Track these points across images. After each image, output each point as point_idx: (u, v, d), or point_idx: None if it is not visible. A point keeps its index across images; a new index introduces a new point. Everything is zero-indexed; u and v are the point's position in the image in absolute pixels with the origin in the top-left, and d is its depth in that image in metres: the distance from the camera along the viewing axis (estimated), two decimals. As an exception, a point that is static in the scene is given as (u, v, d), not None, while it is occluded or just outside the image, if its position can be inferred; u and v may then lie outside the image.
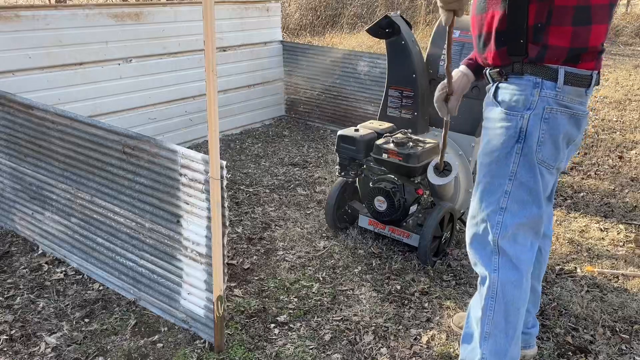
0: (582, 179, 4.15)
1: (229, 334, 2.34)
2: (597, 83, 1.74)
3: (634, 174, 4.22)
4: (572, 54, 1.64)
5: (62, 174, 2.62)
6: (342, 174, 3.12)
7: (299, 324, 2.44)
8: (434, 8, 11.99)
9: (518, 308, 1.86)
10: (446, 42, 1.94)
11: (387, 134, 3.00)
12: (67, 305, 2.52)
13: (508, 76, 1.76)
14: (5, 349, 2.24)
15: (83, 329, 2.37)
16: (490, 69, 1.83)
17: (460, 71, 2.08)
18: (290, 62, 5.46)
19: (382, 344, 2.32)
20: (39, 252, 2.93)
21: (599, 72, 1.73)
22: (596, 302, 2.61)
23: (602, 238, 3.25)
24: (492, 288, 1.85)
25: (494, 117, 1.80)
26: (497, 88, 1.81)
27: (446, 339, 2.36)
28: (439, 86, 2.08)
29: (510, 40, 1.71)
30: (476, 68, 2.03)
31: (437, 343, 2.33)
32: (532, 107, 1.70)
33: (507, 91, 1.76)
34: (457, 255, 3.03)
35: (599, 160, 4.53)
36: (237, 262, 2.93)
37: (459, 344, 2.19)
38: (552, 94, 1.68)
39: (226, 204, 1.98)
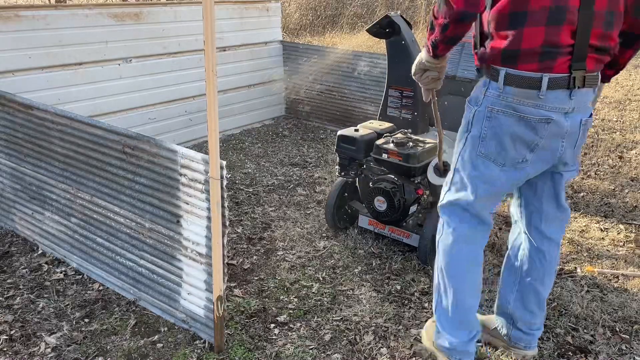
0: (582, 179, 4.15)
1: (229, 334, 2.34)
2: (576, 86, 1.70)
3: (634, 174, 4.22)
4: (506, 54, 1.72)
5: (62, 174, 2.62)
6: (342, 174, 3.12)
7: (299, 324, 2.44)
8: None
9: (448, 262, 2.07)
10: (433, 110, 2.28)
11: (387, 134, 3.00)
12: (67, 305, 2.52)
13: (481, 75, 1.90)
14: (5, 349, 2.24)
15: (83, 329, 2.37)
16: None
17: None
18: (290, 62, 5.46)
19: (382, 344, 2.32)
20: (39, 252, 2.93)
21: (570, 75, 1.70)
22: (596, 302, 2.61)
23: (602, 238, 3.25)
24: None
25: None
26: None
27: (446, 339, 2.35)
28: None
29: (475, 46, 1.88)
30: None
31: (437, 343, 2.33)
32: (478, 104, 1.83)
33: (475, 87, 1.91)
34: (457, 255, 3.03)
35: (599, 160, 4.53)
36: (237, 262, 2.93)
37: None
38: (495, 94, 1.78)
39: (226, 204, 1.98)
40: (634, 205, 3.69)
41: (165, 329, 2.38)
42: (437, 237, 2.09)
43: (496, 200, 2.01)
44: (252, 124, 5.38)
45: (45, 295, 2.59)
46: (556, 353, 2.29)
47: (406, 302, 2.62)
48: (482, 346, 2.30)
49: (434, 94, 2.20)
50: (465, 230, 2.00)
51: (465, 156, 1.91)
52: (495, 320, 2.30)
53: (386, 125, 3.17)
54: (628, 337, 2.38)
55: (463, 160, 1.93)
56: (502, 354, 2.27)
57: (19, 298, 2.57)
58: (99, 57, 3.95)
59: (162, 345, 2.28)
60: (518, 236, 2.17)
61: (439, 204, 2.06)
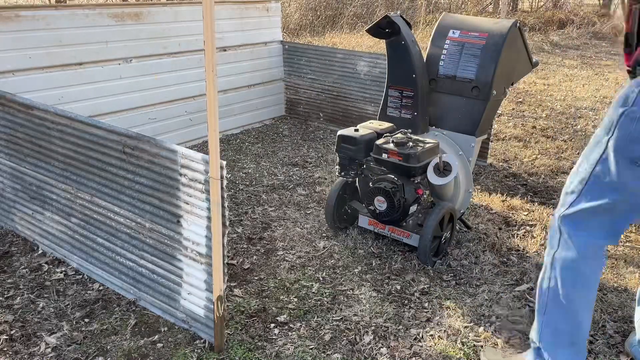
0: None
1: (229, 334, 2.34)
2: None
3: (634, 174, 4.22)
4: None
5: (62, 174, 2.62)
6: (342, 174, 3.12)
7: (299, 324, 2.44)
8: (433, 8, 12.00)
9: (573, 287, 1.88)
10: None
11: (387, 134, 3.00)
12: (67, 305, 2.52)
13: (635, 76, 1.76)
14: (5, 349, 2.24)
15: (83, 329, 2.37)
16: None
17: None
18: (290, 62, 5.46)
19: (382, 344, 2.32)
20: (39, 252, 2.93)
21: None
22: (596, 302, 2.61)
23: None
24: (551, 264, 1.91)
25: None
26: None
27: (446, 339, 2.36)
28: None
29: (627, 44, 1.74)
30: None
31: (437, 343, 2.33)
32: (628, 104, 1.69)
33: (623, 88, 1.76)
34: (457, 255, 3.03)
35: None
36: (237, 262, 2.93)
37: None
38: None
39: (226, 204, 1.98)
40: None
41: (166, 328, 2.38)
42: (551, 251, 1.92)
43: (635, 215, 1.86)
44: (252, 124, 5.38)
45: (46, 295, 2.59)
46: (556, 353, 2.29)
47: (406, 302, 2.62)
48: None
49: None
50: (593, 244, 1.86)
51: (608, 161, 1.75)
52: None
53: (386, 125, 3.17)
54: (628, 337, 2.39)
55: (603, 166, 1.76)
56: (502, 354, 2.27)
57: (19, 298, 2.57)
58: (99, 57, 3.95)
59: (162, 345, 2.29)
60: None
61: (560, 214, 1.89)
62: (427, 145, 2.90)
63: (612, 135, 1.73)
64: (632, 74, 1.75)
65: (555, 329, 1.97)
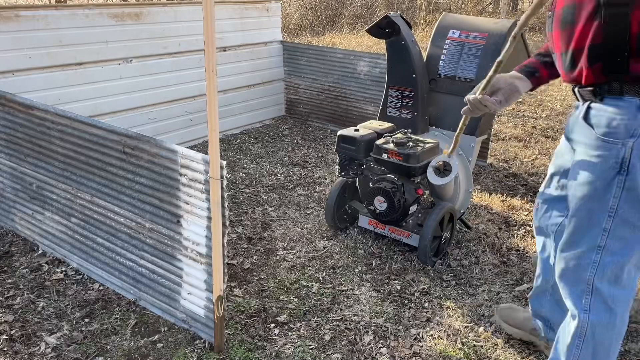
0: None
1: (229, 334, 2.34)
2: None
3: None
4: None
5: (62, 174, 2.62)
6: (342, 174, 3.12)
7: (299, 324, 2.44)
8: (433, 8, 12.00)
9: (608, 348, 1.73)
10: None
11: (387, 134, 3.00)
12: (67, 305, 2.52)
13: (604, 97, 1.55)
14: (5, 349, 2.24)
15: (83, 329, 2.37)
16: (580, 87, 1.63)
17: (511, 78, 1.89)
18: (290, 62, 5.46)
19: (382, 344, 2.32)
20: (39, 252, 2.93)
21: None
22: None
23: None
24: (581, 328, 1.71)
25: (587, 143, 1.60)
26: (589, 108, 1.61)
27: (446, 339, 2.36)
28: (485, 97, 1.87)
29: (608, 55, 1.49)
30: (535, 72, 1.88)
31: (437, 343, 2.33)
32: (637, 133, 1.47)
33: (604, 114, 1.54)
34: (457, 255, 3.03)
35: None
36: (237, 262, 2.93)
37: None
38: None
39: (226, 204, 1.98)
40: None
41: (166, 328, 2.38)
42: (589, 317, 1.69)
43: None
44: (252, 124, 5.38)
45: (46, 295, 2.59)
46: (556, 353, 2.29)
47: (406, 302, 2.62)
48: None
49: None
50: (627, 302, 1.68)
51: (623, 207, 1.54)
52: (532, 322, 2.28)
53: (386, 125, 3.17)
54: (627, 337, 2.38)
55: (619, 214, 1.55)
56: (504, 352, 2.27)
57: (19, 298, 2.57)
58: (99, 57, 3.95)
59: (162, 345, 2.29)
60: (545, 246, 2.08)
61: (597, 282, 1.64)
62: (427, 145, 2.90)
63: (626, 175, 1.51)
64: (611, 91, 1.53)
65: None
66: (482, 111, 1.90)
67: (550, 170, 1.97)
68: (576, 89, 1.66)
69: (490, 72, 1.81)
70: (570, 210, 1.70)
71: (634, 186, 1.52)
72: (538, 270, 2.16)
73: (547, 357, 2.21)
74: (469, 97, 1.90)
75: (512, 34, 1.65)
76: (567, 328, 1.80)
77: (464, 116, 2.06)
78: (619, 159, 1.51)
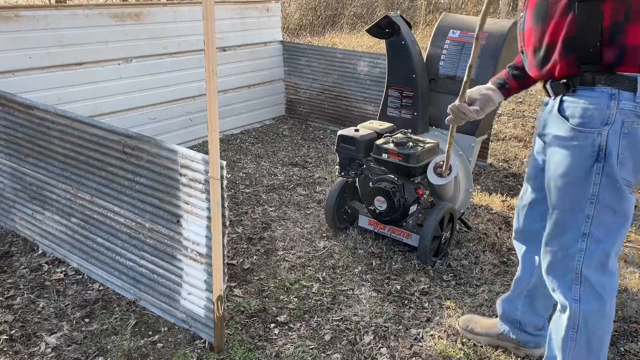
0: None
1: (229, 334, 2.34)
2: None
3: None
4: None
5: (62, 174, 2.62)
6: (342, 174, 3.12)
7: (299, 324, 2.44)
8: (433, 8, 12.00)
9: (602, 337, 1.76)
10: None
11: (387, 134, 3.00)
12: (67, 305, 2.52)
13: (576, 88, 1.62)
14: (5, 349, 2.24)
15: (83, 329, 2.37)
16: (552, 82, 1.69)
17: (486, 89, 2.05)
18: (290, 62, 5.46)
19: (382, 344, 2.32)
20: (39, 252, 2.93)
21: None
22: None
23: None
24: (573, 318, 1.74)
25: (563, 135, 1.65)
26: (562, 101, 1.67)
27: (446, 339, 2.36)
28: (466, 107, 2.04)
29: (582, 46, 1.56)
30: (505, 85, 2.02)
31: (437, 343, 2.33)
32: (610, 121, 1.55)
33: (577, 105, 1.61)
34: (457, 255, 3.03)
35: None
36: (237, 262, 2.93)
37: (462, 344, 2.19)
38: (630, 106, 1.53)
39: (226, 204, 1.98)
40: (634, 205, 3.69)
41: (166, 328, 2.38)
42: (580, 306, 1.73)
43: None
44: (252, 124, 5.38)
45: (46, 295, 2.59)
46: (556, 353, 2.29)
47: (406, 302, 2.62)
48: None
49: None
50: (614, 289, 1.73)
51: (603, 194, 1.61)
52: (499, 326, 2.29)
53: (386, 125, 3.17)
54: (628, 337, 2.38)
55: (600, 200, 1.61)
56: (504, 352, 2.27)
57: (19, 298, 2.57)
58: (99, 57, 3.95)
59: (162, 345, 2.29)
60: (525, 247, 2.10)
61: (585, 270, 1.69)
62: (427, 145, 2.90)
63: (604, 162, 1.58)
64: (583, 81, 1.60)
65: None
66: (463, 120, 2.06)
67: (527, 175, 2.02)
68: (548, 85, 1.72)
69: (465, 78, 2.01)
70: (552, 203, 1.75)
71: (611, 172, 1.58)
72: (518, 274, 2.16)
73: (520, 358, 2.23)
74: (450, 106, 2.06)
75: (475, 35, 1.89)
76: (559, 322, 1.82)
77: (450, 127, 2.24)
78: (595, 147, 1.58)
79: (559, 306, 1.82)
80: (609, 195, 1.61)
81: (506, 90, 2.03)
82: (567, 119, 1.64)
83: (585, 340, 1.75)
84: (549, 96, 1.75)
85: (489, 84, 2.06)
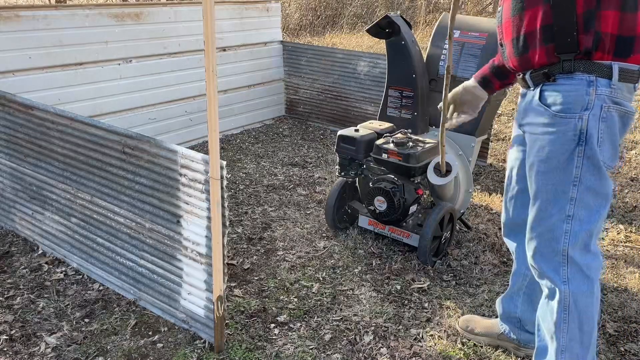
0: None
1: (229, 334, 2.34)
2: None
3: (634, 174, 4.22)
4: (621, 43, 1.56)
5: (62, 174, 2.62)
6: (342, 174, 3.13)
7: (299, 324, 2.44)
8: (433, 8, 12.00)
9: (592, 317, 1.78)
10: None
11: (387, 134, 3.00)
12: (67, 305, 2.52)
13: (556, 77, 1.66)
14: (5, 349, 2.24)
15: (83, 329, 2.37)
16: (531, 72, 1.74)
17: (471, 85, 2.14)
18: (290, 62, 5.46)
19: (382, 344, 2.32)
20: (39, 252, 2.93)
21: None
22: (596, 302, 2.61)
23: (602, 238, 3.25)
24: (563, 301, 1.76)
25: (543, 122, 1.70)
26: (542, 91, 1.71)
27: (446, 339, 2.36)
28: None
29: (560, 34, 1.61)
30: (488, 83, 2.10)
31: (437, 343, 2.33)
32: (590, 106, 1.61)
33: (558, 93, 1.66)
34: (457, 255, 3.03)
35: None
36: (237, 262, 2.93)
37: (462, 344, 2.19)
38: (607, 92, 1.60)
39: (226, 204, 1.98)
40: (634, 205, 3.69)
41: (166, 329, 2.38)
42: (569, 288, 1.76)
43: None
44: (252, 124, 5.38)
45: (46, 295, 2.59)
46: (556, 353, 2.29)
47: (406, 302, 2.62)
48: None
49: None
50: (599, 269, 1.78)
51: (586, 176, 1.66)
52: (499, 326, 2.29)
53: (386, 125, 3.17)
54: (628, 337, 2.38)
55: (583, 182, 1.67)
56: (504, 352, 2.27)
57: (19, 298, 2.57)
58: (99, 57, 3.95)
59: (162, 345, 2.29)
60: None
61: (571, 252, 1.73)
62: (427, 145, 2.90)
63: (584, 145, 1.63)
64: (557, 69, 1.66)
65: None
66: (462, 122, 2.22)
67: (508, 168, 2.05)
68: (527, 76, 1.75)
69: (445, 81, 2.11)
70: (535, 189, 1.78)
71: (592, 154, 1.64)
72: (515, 268, 2.18)
73: (520, 358, 2.23)
74: (446, 125, 2.24)
75: (448, 35, 2.01)
76: (548, 308, 1.83)
77: (441, 127, 2.32)
78: (577, 131, 1.63)
79: (545, 292, 1.84)
80: (590, 177, 1.66)
81: (491, 89, 2.11)
82: (548, 106, 1.69)
83: (577, 321, 1.78)
84: (528, 87, 1.78)
85: (475, 82, 2.13)
